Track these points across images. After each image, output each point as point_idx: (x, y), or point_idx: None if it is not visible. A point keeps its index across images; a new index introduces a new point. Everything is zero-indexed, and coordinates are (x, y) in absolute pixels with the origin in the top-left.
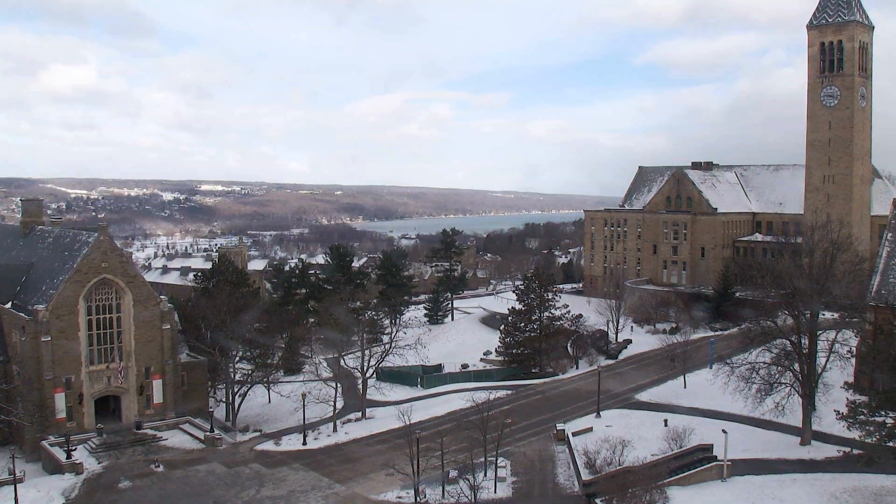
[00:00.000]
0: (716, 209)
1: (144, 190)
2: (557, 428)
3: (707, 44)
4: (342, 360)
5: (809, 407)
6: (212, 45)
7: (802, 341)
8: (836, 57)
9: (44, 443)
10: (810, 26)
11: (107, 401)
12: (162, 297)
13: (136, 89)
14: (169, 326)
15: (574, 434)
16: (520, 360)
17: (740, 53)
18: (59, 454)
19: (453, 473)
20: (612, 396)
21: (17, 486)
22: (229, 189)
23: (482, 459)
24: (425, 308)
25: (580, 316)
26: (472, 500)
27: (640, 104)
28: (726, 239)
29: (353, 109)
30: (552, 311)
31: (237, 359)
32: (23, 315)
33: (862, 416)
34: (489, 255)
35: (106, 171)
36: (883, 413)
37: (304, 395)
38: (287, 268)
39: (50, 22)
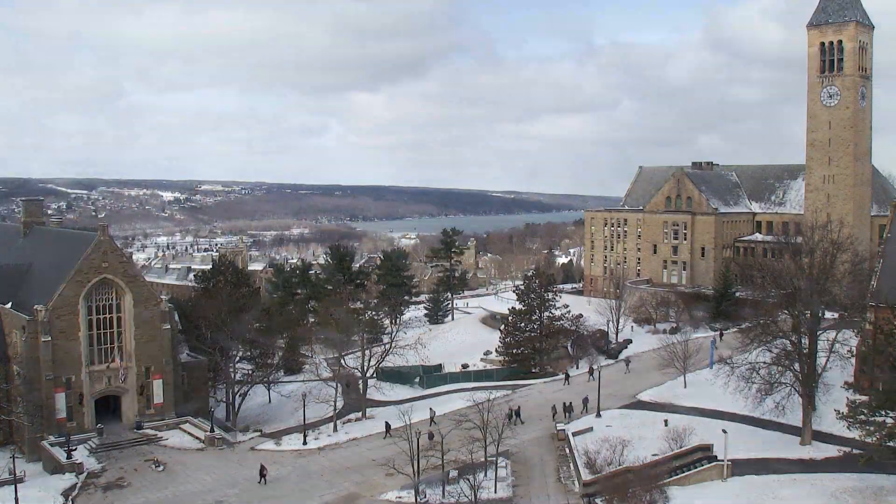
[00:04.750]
0: (716, 209)
1: (144, 190)
2: (558, 428)
3: None
4: (342, 360)
5: (809, 407)
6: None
7: (802, 341)
8: (836, 57)
9: (44, 443)
10: (810, 26)
11: (107, 401)
12: (162, 297)
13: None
14: (169, 326)
15: (574, 434)
16: (520, 359)
17: None
18: (60, 454)
19: (453, 473)
20: (612, 396)
21: (18, 485)
22: (229, 189)
23: (482, 459)
24: (425, 308)
25: (580, 316)
26: (473, 499)
27: None
28: (726, 239)
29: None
30: (552, 311)
31: (237, 359)
32: (23, 315)
33: (862, 416)
34: (489, 255)
35: (106, 171)
36: (883, 413)
37: (304, 396)
38: (287, 268)
39: None
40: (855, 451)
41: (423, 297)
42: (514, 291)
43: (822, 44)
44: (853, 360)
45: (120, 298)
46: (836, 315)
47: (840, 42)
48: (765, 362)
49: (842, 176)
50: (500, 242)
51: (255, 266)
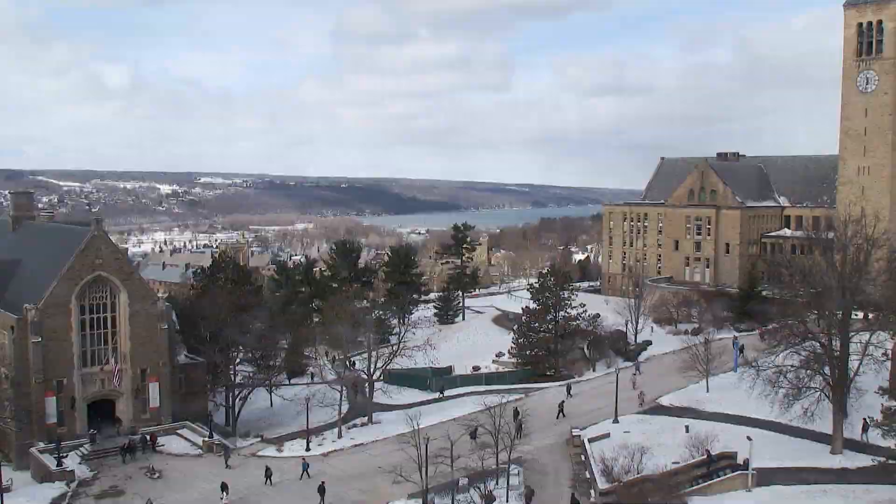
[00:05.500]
0: (742, 203)
1: (141, 182)
2: (573, 433)
3: None
4: (348, 362)
5: (840, 413)
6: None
7: (833, 343)
8: (875, 38)
9: (33, 449)
10: (847, 5)
11: (100, 405)
12: (159, 295)
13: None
14: (166, 326)
15: (590, 440)
16: (534, 362)
17: None
18: (49, 461)
19: (463, 481)
20: (630, 400)
21: (4, 495)
22: (230, 182)
23: (494, 466)
24: (435, 307)
25: (597, 316)
26: None
27: None
28: (753, 234)
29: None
30: (568, 310)
31: (238, 360)
32: (11, 315)
33: None
34: (503, 251)
35: (100, 162)
36: None
37: (307, 399)
38: (291, 265)
39: None
40: (890, 462)
41: (432, 296)
42: (528, 290)
43: (860, 24)
44: (888, 364)
45: (114, 297)
46: (870, 315)
47: (880, 22)
48: (792, 365)
49: (878, 167)
50: (513, 238)
51: (258, 262)
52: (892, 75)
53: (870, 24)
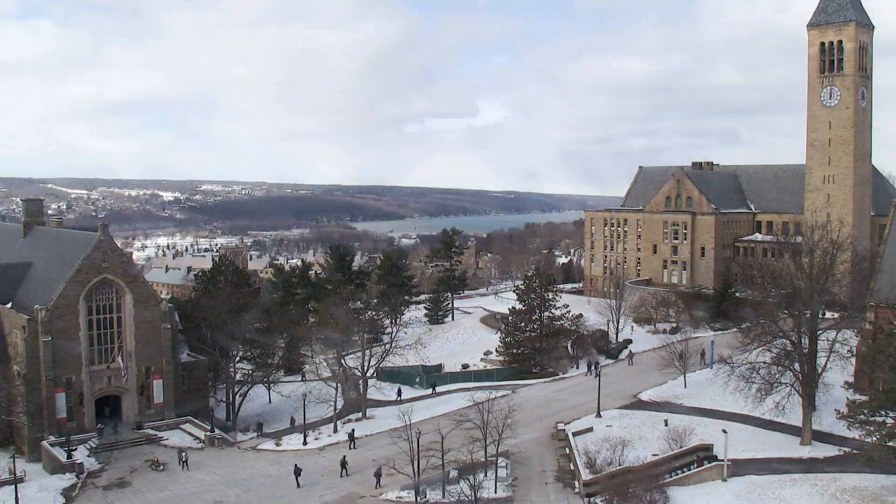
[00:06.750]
0: (716, 209)
1: (145, 190)
2: (558, 428)
3: None
4: (342, 360)
5: (809, 407)
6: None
7: (802, 341)
8: (836, 57)
9: (44, 443)
10: (810, 26)
11: (107, 401)
12: (162, 296)
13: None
14: (169, 326)
15: (574, 434)
16: (520, 359)
17: None
18: (60, 454)
19: (454, 473)
20: (612, 396)
21: (18, 485)
22: (229, 189)
23: (482, 459)
24: (426, 308)
25: (580, 316)
26: (473, 499)
27: None
28: (726, 239)
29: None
30: (552, 310)
31: (237, 359)
32: (23, 315)
33: (862, 416)
34: (489, 254)
35: (106, 171)
36: (883, 413)
37: (304, 396)
38: (287, 268)
39: None
40: (855, 451)
41: (423, 297)
42: (514, 291)
43: (822, 44)
44: (853, 360)
45: (120, 298)
46: (836, 315)
47: (840, 42)
48: (765, 362)
49: (842, 176)
50: (500, 242)
51: (256, 266)
52: (852, 91)
53: (831, 43)
